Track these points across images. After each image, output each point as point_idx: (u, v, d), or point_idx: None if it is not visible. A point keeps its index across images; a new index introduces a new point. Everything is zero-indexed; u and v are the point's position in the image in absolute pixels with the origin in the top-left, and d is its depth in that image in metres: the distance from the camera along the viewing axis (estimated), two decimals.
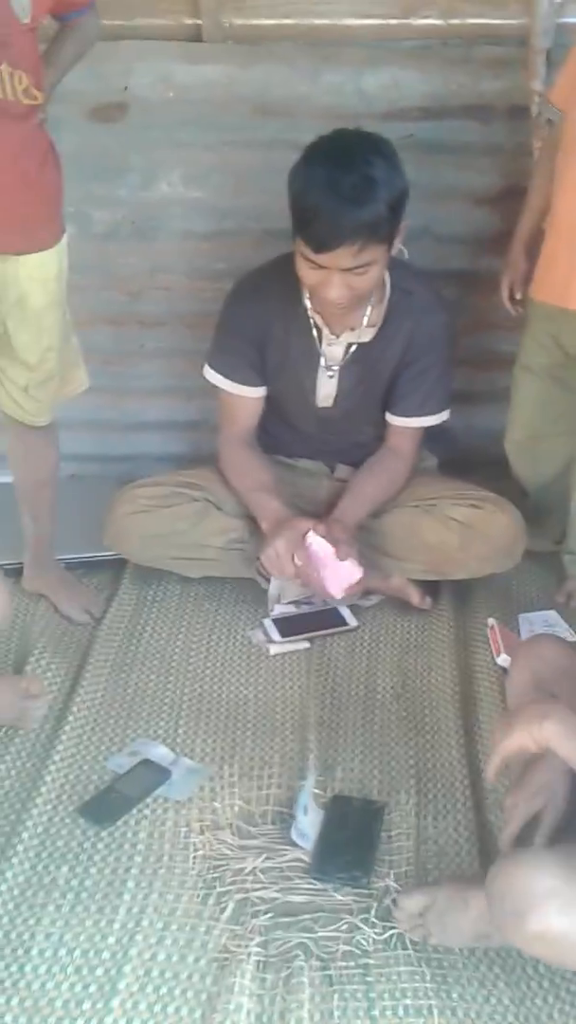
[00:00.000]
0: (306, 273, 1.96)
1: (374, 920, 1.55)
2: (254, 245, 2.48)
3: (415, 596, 2.25)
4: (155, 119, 2.45)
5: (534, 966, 1.48)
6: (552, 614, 2.27)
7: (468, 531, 2.17)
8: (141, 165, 2.51)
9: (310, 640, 2.18)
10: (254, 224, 2.52)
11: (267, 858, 1.65)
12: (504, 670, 2.03)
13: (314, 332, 2.15)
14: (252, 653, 2.17)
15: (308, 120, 2.30)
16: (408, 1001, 1.43)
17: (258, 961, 1.48)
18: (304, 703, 2.02)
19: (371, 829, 1.70)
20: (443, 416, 2.26)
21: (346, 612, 2.24)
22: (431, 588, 2.28)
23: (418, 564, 2.23)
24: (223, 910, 1.57)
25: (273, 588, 2.21)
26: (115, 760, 1.87)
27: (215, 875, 1.63)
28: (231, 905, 1.57)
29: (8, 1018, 1.40)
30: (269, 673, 2.11)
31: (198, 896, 1.59)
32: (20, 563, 2.32)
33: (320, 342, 2.16)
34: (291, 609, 2.24)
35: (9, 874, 1.62)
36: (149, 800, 1.77)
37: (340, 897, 1.59)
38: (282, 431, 2.33)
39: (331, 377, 2.19)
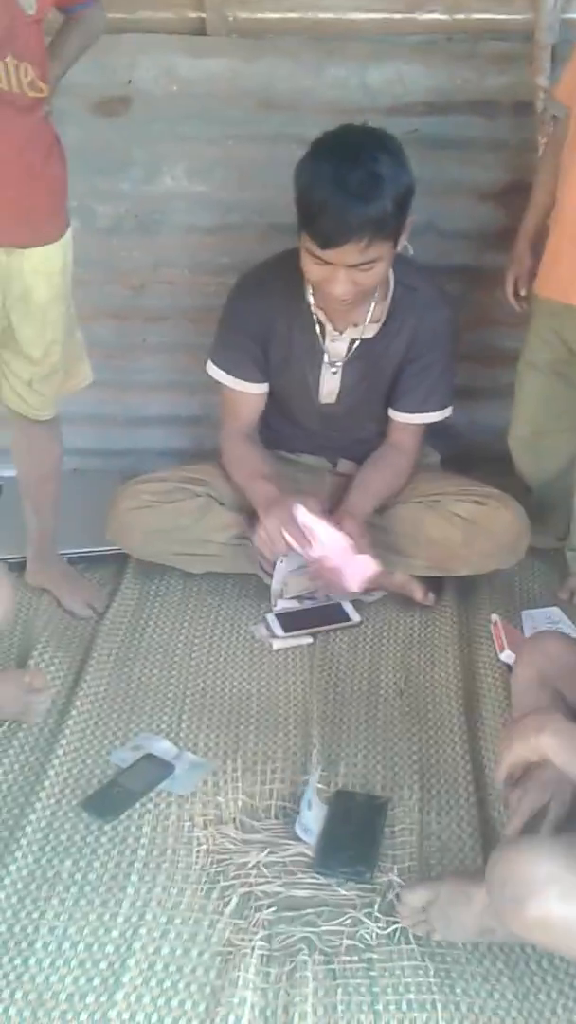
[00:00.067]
0: (311, 269, 1.95)
1: (378, 915, 1.55)
2: (258, 239, 2.48)
3: (418, 592, 2.25)
4: (159, 113, 2.44)
5: (538, 961, 1.49)
6: (555, 610, 2.27)
7: (472, 527, 2.17)
8: (145, 159, 2.50)
9: (313, 635, 2.18)
10: (258, 218, 2.51)
11: (271, 853, 1.65)
12: (507, 666, 2.04)
13: (317, 328, 2.14)
14: (255, 648, 2.16)
15: (312, 114, 2.29)
16: (412, 996, 1.43)
17: (262, 955, 1.49)
18: (307, 698, 2.02)
19: (374, 824, 1.70)
20: (446, 412, 2.26)
21: (349, 607, 2.24)
22: (434, 584, 2.28)
23: (421, 560, 2.23)
24: (227, 904, 1.57)
25: (276, 583, 2.20)
26: (118, 754, 1.87)
27: (219, 869, 1.63)
28: (235, 899, 1.58)
29: (12, 1011, 1.41)
30: (272, 668, 2.11)
31: (202, 890, 1.60)
32: (23, 557, 2.32)
33: (323, 338, 2.15)
34: (294, 604, 2.24)
35: (13, 868, 1.63)
36: (152, 794, 1.77)
37: (344, 892, 1.60)
38: (285, 427, 2.33)
39: (334, 373, 2.19)
